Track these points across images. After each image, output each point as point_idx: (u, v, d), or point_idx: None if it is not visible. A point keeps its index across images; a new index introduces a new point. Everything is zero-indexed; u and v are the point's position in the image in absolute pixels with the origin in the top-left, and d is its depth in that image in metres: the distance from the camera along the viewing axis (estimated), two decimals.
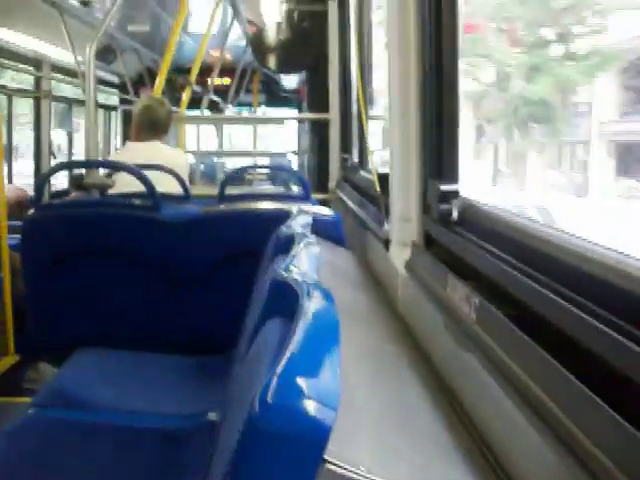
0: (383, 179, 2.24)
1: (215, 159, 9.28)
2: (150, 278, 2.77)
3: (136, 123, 3.94)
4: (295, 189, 4.31)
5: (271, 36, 5.24)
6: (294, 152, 9.87)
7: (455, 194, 1.69)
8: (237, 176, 4.00)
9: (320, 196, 4.20)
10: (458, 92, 1.80)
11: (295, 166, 9.33)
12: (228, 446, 0.90)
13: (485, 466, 1.13)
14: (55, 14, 5.81)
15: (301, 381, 0.84)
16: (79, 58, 5.84)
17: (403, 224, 1.92)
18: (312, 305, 1.09)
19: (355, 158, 3.97)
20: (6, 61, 6.11)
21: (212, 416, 2.06)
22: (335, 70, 4.57)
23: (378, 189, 2.26)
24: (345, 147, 4.30)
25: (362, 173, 3.42)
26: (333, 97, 4.63)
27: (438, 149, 1.79)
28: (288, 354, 0.89)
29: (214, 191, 3.80)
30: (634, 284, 0.89)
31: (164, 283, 2.78)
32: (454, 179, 1.77)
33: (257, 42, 5.42)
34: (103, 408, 2.16)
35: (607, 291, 0.94)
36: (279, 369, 0.85)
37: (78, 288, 2.81)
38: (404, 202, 1.92)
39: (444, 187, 1.68)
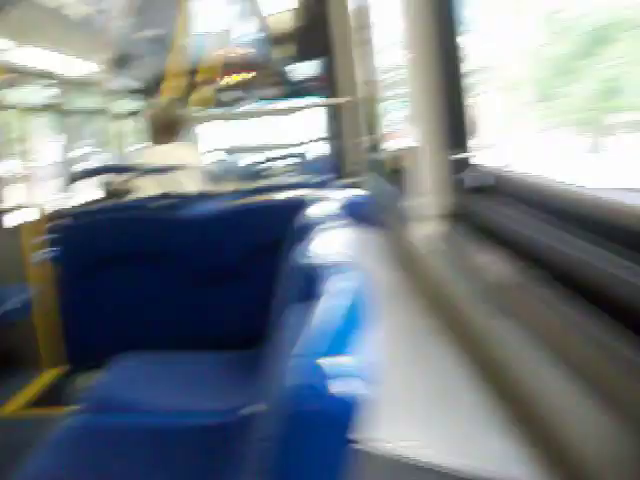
0: (405, 156, 2.21)
1: (235, 155, 9.29)
2: (178, 278, 2.78)
3: (151, 127, 3.99)
4: (321, 177, 4.29)
5: (285, 26, 5.23)
6: (319, 139, 9.83)
7: (470, 163, 1.66)
8: (261, 169, 4.01)
9: (346, 180, 4.18)
10: (460, 68, 1.79)
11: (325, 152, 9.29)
12: (264, 435, 0.89)
13: (526, 434, 1.10)
14: (70, 26, 5.86)
15: (328, 361, 0.82)
16: (96, 68, 5.89)
17: (428, 198, 1.89)
18: (335, 286, 1.07)
19: (375, 140, 3.94)
20: (23, 78, 6.17)
21: (250, 409, 2.05)
22: (350, 54, 4.54)
23: (401, 166, 2.23)
24: (369, 129, 4.27)
25: (385, 152, 3.39)
26: (352, 81, 4.60)
27: (452, 123, 1.77)
28: (312, 336, 0.87)
29: (234, 187, 3.81)
30: None
31: (191, 282, 2.78)
32: (470, 149, 1.75)
33: (271, 33, 5.42)
34: (144, 410, 2.17)
35: None
36: (305, 351, 0.83)
37: (110, 294, 2.82)
38: (427, 176, 1.89)
39: (467, 158, 1.64)
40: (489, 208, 1.47)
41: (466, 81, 1.74)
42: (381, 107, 2.96)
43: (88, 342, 2.89)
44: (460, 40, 1.75)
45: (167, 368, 2.50)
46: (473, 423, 1.09)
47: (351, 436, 0.78)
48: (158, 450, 1.96)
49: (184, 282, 2.77)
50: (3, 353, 4.39)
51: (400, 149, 2.30)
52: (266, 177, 7.14)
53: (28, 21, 5.56)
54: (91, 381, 4.01)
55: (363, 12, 4.13)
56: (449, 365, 1.31)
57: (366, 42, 4.11)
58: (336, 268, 1.17)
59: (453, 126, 1.74)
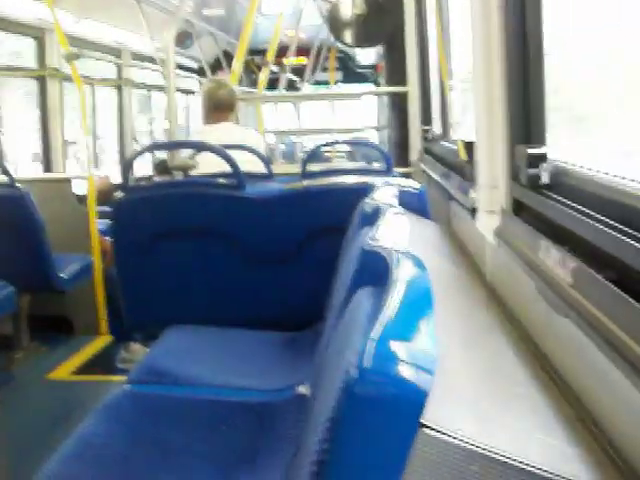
0: (468, 147, 2.20)
1: (293, 138, 9.32)
2: (237, 256, 2.80)
3: (203, 107, 4.04)
4: (376, 165, 4.28)
5: (347, 10, 5.21)
6: (373, 128, 9.81)
7: (544, 158, 1.63)
8: (318, 153, 4.01)
9: (401, 170, 4.16)
10: (543, 53, 1.75)
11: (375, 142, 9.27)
12: (323, 414, 0.90)
13: (584, 432, 1.10)
14: (133, 3, 5.94)
15: (397, 346, 0.83)
16: (157, 45, 5.95)
17: (490, 191, 1.88)
18: (404, 272, 1.08)
19: (437, 129, 3.91)
20: (88, 51, 6.27)
21: (302, 389, 2.07)
22: (413, 42, 4.51)
23: (464, 157, 2.21)
24: (426, 119, 4.24)
25: (445, 143, 3.37)
26: (411, 69, 4.57)
27: (524, 113, 1.74)
28: (383, 320, 0.88)
29: (294, 169, 3.82)
30: None
31: (250, 261, 2.81)
32: (542, 142, 1.72)
33: (333, 17, 5.40)
34: (195, 384, 2.20)
35: None
36: (375, 335, 0.84)
37: (167, 268, 2.86)
38: (491, 169, 1.88)
39: (532, 151, 1.62)
40: (555, 204, 1.46)
41: (537, 69, 1.71)
42: (445, 96, 2.95)
43: (143, 314, 2.94)
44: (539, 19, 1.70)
45: (219, 344, 2.54)
46: (532, 418, 1.09)
47: (419, 421, 0.79)
48: (206, 424, 2.00)
49: (241, 261, 2.80)
50: (59, 319, 4.51)
51: (466, 140, 2.28)
52: (324, 161, 7.17)
53: None
54: (143, 352, 4.11)
55: None
56: (507, 358, 1.31)
57: (428, 29, 4.08)
58: (401, 254, 1.18)
59: (527, 117, 1.72)
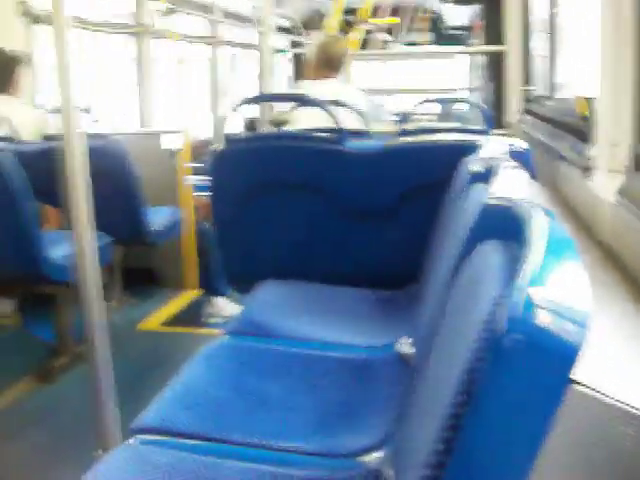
0: (584, 105, 2.10)
1: (377, 100, 9.19)
2: (334, 211, 2.77)
3: (312, 61, 3.95)
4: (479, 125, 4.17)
5: None
6: (467, 89, 9.60)
7: None
8: (414, 111, 3.92)
9: (499, 131, 4.04)
10: None
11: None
12: (454, 368, 0.86)
13: None
14: None
15: (549, 295, 0.77)
16: (252, 3, 5.93)
17: (612, 149, 1.78)
18: (539, 224, 1.01)
19: (541, 89, 3.76)
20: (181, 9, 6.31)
21: (400, 347, 2.04)
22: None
23: (585, 113, 2.11)
24: (527, 79, 4.09)
25: (551, 103, 3.23)
26: (511, 27, 4.41)
27: None
28: (529, 268, 0.82)
29: (392, 128, 3.75)
30: None
31: (347, 216, 2.77)
32: None
33: None
34: (292, 337, 2.19)
35: None
36: (523, 283, 0.79)
37: (264, 222, 2.85)
38: (613, 126, 1.78)
39: None
40: None
41: None
42: (554, 55, 2.83)
43: (239, 267, 2.95)
44: None
45: (314, 299, 2.52)
46: None
47: (567, 375, 0.74)
48: (304, 377, 1.98)
49: (340, 216, 2.76)
50: (148, 271, 4.60)
51: (586, 96, 2.17)
52: (420, 121, 7.04)
53: None
54: (229, 307, 4.16)
55: None
56: (637, 320, 1.24)
57: None
58: (535, 208, 1.11)
59: None
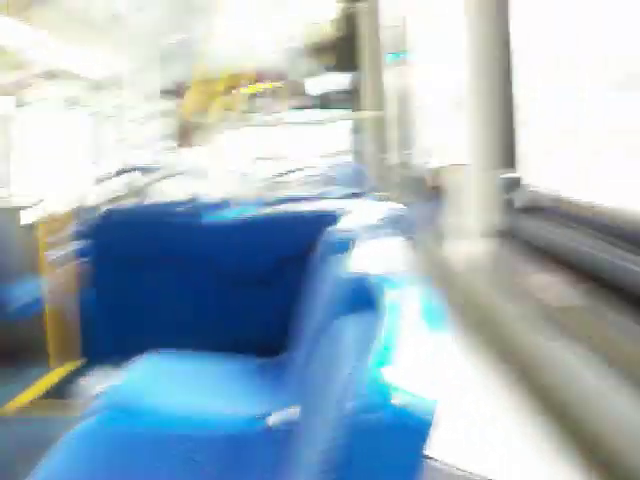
0: (445, 173, 2.19)
1: (253, 164, 9.24)
2: (204, 281, 2.77)
3: (175, 130, 3.99)
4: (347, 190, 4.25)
5: (319, 37, 5.25)
6: (345, 153, 9.83)
7: (518, 182, 1.63)
8: (277, 180, 3.99)
9: (374, 194, 4.14)
10: (512, 89, 1.78)
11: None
12: (318, 444, 0.86)
13: (585, 460, 1.07)
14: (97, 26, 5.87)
15: (399, 374, 0.79)
16: (122, 68, 5.88)
17: (473, 216, 1.86)
18: (394, 295, 1.04)
19: (410, 155, 3.91)
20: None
21: (274, 420, 2.01)
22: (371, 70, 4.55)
23: (439, 184, 2.20)
24: (401, 145, 4.25)
25: (417, 170, 3.36)
26: (376, 97, 4.59)
27: (504, 139, 1.75)
28: (380, 348, 0.84)
29: (259, 195, 3.78)
30: None
31: (218, 286, 2.76)
32: (518, 168, 1.73)
33: (304, 45, 5.44)
34: (164, 414, 2.12)
35: None
36: (374, 363, 0.80)
37: (133, 293, 2.81)
38: (474, 194, 1.87)
39: (512, 176, 1.62)
40: (539, 227, 1.45)
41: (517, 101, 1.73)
42: (416, 124, 2.95)
43: (111, 339, 2.86)
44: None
45: (192, 370, 2.47)
46: (528, 444, 1.06)
47: (421, 450, 0.75)
48: (179, 459, 1.91)
49: (210, 286, 2.75)
50: (13, 349, 4.35)
51: (441, 166, 2.28)
52: (290, 187, 7.09)
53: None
54: (109, 379, 3.98)
55: (399, 29, 4.13)
56: (497, 384, 1.28)
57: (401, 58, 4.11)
58: (390, 280, 1.14)
59: (504, 145, 1.72)
